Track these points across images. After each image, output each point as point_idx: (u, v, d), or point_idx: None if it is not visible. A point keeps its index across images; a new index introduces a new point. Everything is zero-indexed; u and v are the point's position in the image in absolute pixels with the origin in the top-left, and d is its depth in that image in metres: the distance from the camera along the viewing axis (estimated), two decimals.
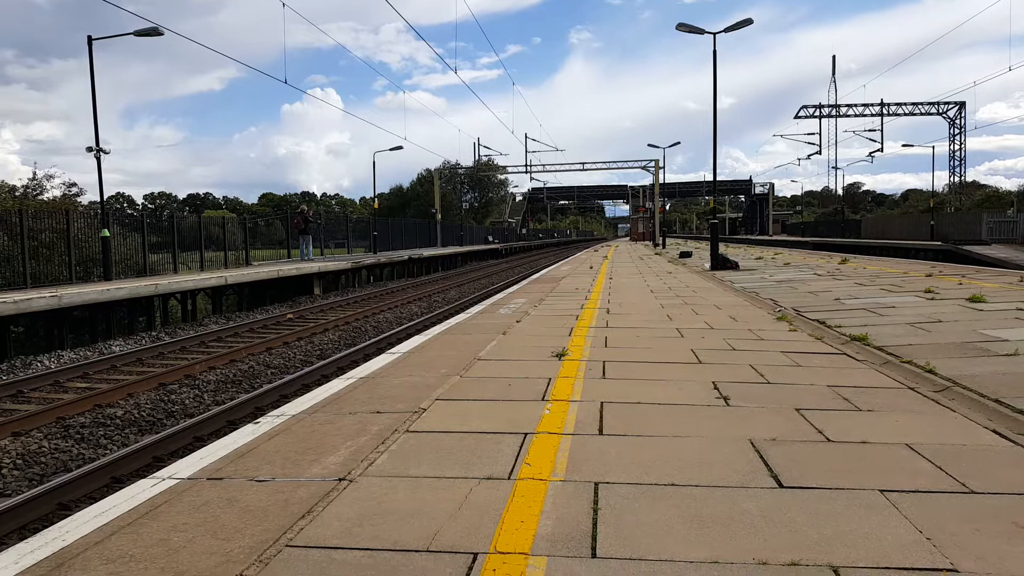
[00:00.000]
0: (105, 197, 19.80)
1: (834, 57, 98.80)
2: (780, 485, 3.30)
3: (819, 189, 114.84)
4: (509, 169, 72.32)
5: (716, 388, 5.26)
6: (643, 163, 63.08)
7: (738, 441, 3.95)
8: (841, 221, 61.78)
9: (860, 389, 5.23)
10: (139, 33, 17.55)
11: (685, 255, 30.38)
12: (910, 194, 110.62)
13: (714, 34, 19.71)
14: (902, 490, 3.22)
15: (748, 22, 19.55)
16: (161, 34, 17.54)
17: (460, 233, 54.70)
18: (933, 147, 49.76)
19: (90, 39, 18.05)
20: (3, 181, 24.63)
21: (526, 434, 4.12)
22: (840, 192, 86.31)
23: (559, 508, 3.02)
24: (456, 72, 52.91)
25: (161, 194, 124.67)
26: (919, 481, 3.34)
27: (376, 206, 43.36)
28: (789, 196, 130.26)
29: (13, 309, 12.85)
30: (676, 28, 19.47)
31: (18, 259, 16.35)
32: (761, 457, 3.69)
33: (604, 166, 68.37)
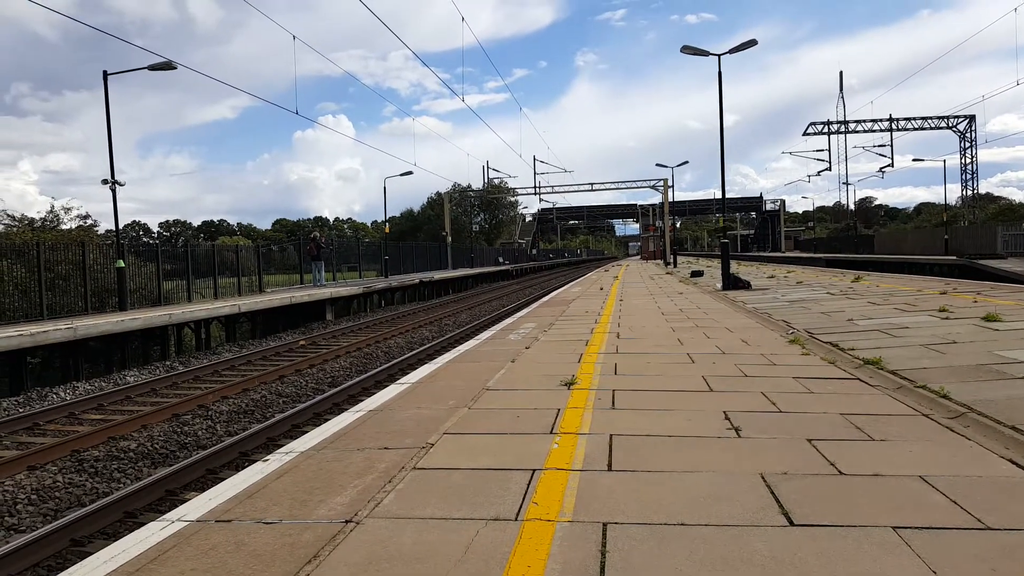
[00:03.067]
0: (121, 226, 20.01)
1: (841, 73, 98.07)
2: (791, 523, 3.26)
3: (831, 204, 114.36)
4: (518, 191, 72.80)
5: (727, 418, 5.22)
6: (652, 182, 63.16)
7: (749, 476, 3.92)
8: (854, 237, 61.51)
9: (873, 417, 5.17)
10: (153, 68, 17.82)
11: (696, 274, 30.27)
12: (923, 208, 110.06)
13: (719, 56, 19.78)
14: (915, 526, 3.18)
15: (752, 43, 19.61)
16: (174, 68, 17.80)
17: (471, 255, 54.87)
18: (944, 161, 49.60)
19: (105, 74, 18.35)
20: (22, 214, 25.01)
21: (534, 470, 4.09)
22: (852, 207, 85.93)
23: (566, 552, 3.00)
24: (463, 99, 53.49)
25: (176, 221, 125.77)
26: (933, 516, 3.29)
27: (387, 230, 43.57)
28: (801, 212, 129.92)
29: (30, 341, 12.97)
30: (681, 51, 19.56)
31: (35, 291, 16.53)
32: (772, 493, 3.65)
33: (613, 186, 68.30)
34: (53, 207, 25.70)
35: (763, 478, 3.87)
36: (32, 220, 24.92)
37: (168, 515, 3.67)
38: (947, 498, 3.52)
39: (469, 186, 74.61)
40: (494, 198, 79.03)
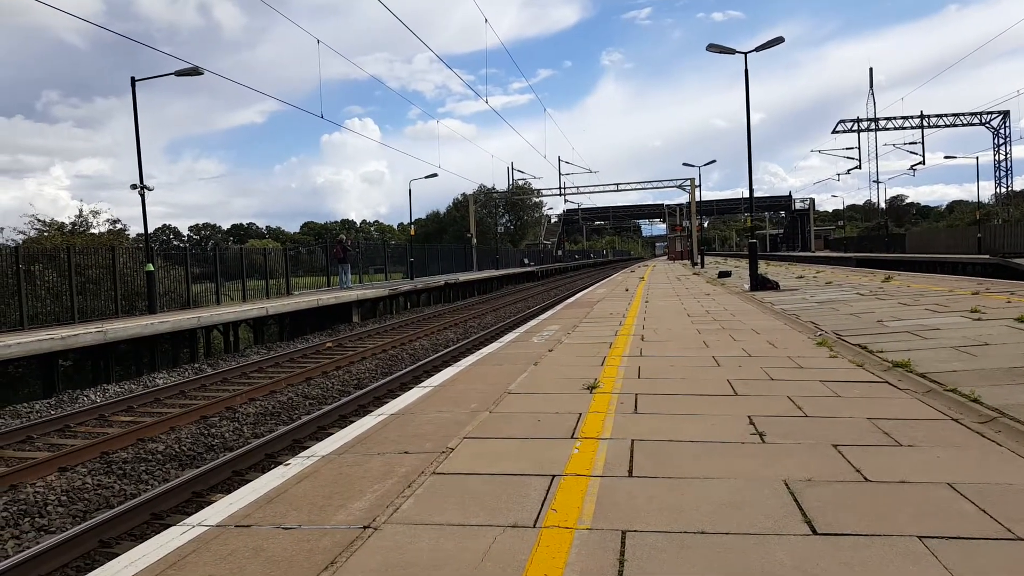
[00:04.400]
0: (151, 230, 20.31)
1: (871, 70, 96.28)
2: (814, 532, 3.20)
3: (861, 203, 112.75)
4: (543, 192, 72.66)
5: (752, 423, 5.15)
6: (678, 182, 62.74)
7: (772, 483, 3.85)
8: (885, 236, 60.61)
9: (901, 421, 5.07)
10: (180, 73, 18.07)
11: (724, 275, 29.99)
12: (955, 206, 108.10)
13: (745, 54, 19.57)
14: (942, 536, 3.10)
15: (779, 40, 19.38)
16: (200, 73, 18.03)
17: (496, 256, 54.88)
18: (977, 158, 48.79)
19: (133, 80, 18.63)
20: (52, 219, 25.47)
21: (554, 476, 4.07)
22: (883, 206, 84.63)
23: (584, 560, 2.97)
24: (487, 101, 53.62)
25: (206, 225, 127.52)
26: (961, 526, 3.21)
27: (412, 232, 43.77)
28: (831, 211, 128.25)
29: (61, 345, 13.21)
30: (707, 49, 19.39)
31: (66, 295, 16.83)
32: (795, 500, 3.58)
33: (639, 186, 67.85)
34: (82, 211, 26.17)
35: (786, 485, 3.81)
36: (62, 225, 25.38)
37: (189, 520, 3.70)
38: (976, 506, 3.43)
39: (493, 187, 74.70)
40: (519, 199, 79.03)
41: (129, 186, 19.11)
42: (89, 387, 13.66)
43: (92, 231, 25.78)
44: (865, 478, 3.89)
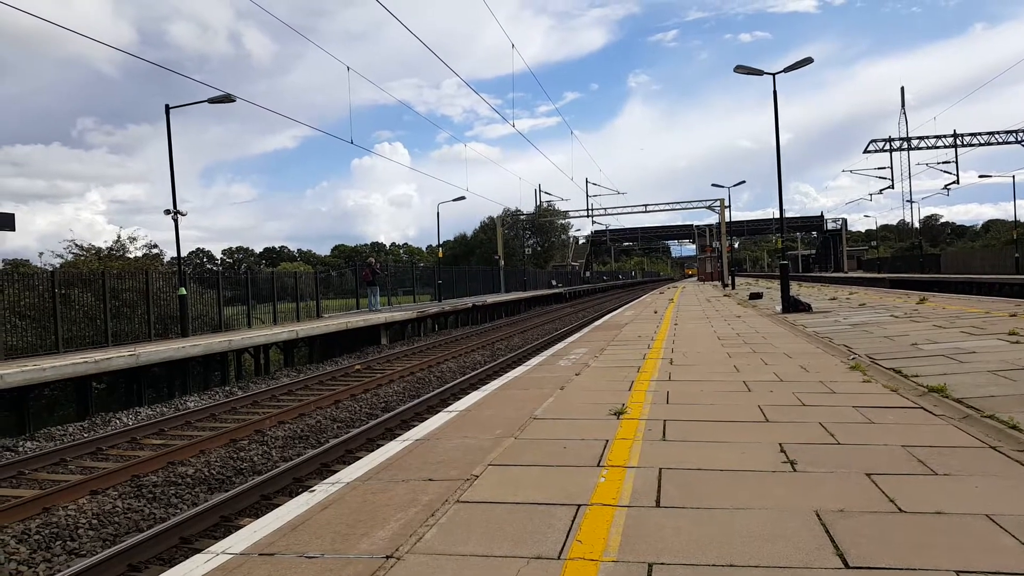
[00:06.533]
0: (185, 254, 20.69)
1: (902, 88, 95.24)
2: (846, 565, 3.11)
3: (894, 223, 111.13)
4: (571, 213, 72.67)
5: (783, 451, 5.05)
6: (708, 203, 62.49)
7: (803, 514, 3.76)
8: (920, 256, 59.64)
9: (936, 449, 4.94)
10: (212, 100, 18.43)
11: (755, 296, 29.68)
12: (991, 225, 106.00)
13: (773, 75, 19.50)
14: (980, 571, 3.00)
15: (808, 61, 19.28)
16: (233, 100, 18.38)
17: (523, 278, 54.89)
18: (1013, 176, 47.98)
19: (168, 108, 19.05)
20: (90, 244, 26.00)
21: (579, 506, 4.01)
22: (917, 225, 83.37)
23: None
24: (514, 125, 54.35)
25: (239, 248, 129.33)
26: (1000, 560, 3.10)
27: (440, 255, 44.09)
28: (864, 231, 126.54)
29: (94, 368, 13.42)
30: (734, 71, 19.34)
31: (101, 318, 17.13)
32: (827, 532, 3.49)
33: (667, 207, 67.88)
34: (119, 236, 26.75)
35: (818, 516, 3.72)
36: (99, 249, 25.91)
37: (214, 547, 3.71)
38: (1016, 540, 3.32)
39: (517, 210, 74.94)
40: (546, 221, 79.18)
41: (163, 211, 19.48)
42: (122, 410, 13.84)
43: (129, 255, 26.27)
44: (900, 509, 3.79)
